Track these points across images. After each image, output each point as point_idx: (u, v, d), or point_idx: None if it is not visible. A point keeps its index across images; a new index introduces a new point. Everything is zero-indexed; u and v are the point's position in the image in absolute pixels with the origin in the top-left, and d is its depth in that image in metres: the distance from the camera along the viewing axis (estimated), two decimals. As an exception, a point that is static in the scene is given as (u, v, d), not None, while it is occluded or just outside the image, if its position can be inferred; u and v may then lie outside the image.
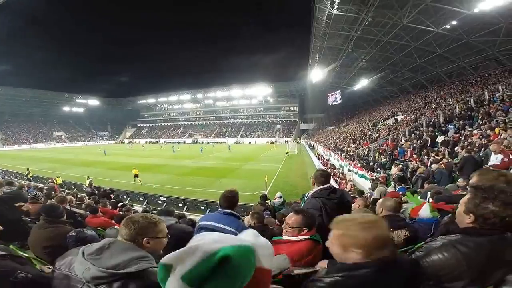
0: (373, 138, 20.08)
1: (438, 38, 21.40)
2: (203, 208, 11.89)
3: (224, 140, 68.62)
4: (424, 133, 13.22)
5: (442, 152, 9.07)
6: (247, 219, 5.71)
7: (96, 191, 12.08)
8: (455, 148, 9.02)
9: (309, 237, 1.76)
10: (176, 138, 76.07)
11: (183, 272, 0.67)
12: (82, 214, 4.52)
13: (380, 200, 2.40)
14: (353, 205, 3.14)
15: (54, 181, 14.69)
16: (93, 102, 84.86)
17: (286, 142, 54.02)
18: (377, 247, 0.99)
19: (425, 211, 2.34)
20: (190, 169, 23.12)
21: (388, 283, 0.99)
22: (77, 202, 6.90)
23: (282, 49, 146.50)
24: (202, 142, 64.05)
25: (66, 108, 79.93)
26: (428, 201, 2.81)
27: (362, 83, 38.28)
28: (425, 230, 2.19)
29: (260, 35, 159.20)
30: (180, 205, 12.28)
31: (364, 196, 7.07)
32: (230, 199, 2.42)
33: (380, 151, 15.15)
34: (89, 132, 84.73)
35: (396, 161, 11.67)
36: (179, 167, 24.26)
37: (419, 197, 3.32)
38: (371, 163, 14.01)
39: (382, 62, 31.25)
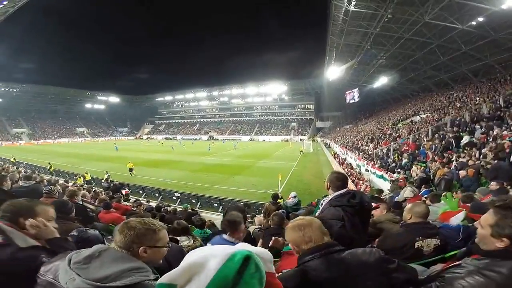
0: (393, 137, 19.41)
1: (463, 35, 20.19)
2: (216, 205, 11.97)
3: (239, 137, 68.99)
4: (448, 133, 12.58)
5: (468, 153, 8.55)
6: (259, 219, 5.63)
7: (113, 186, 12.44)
8: (483, 150, 8.50)
9: None
10: (192, 134, 77.25)
11: (204, 284, 0.66)
12: (94, 210, 4.50)
13: (409, 205, 2.22)
14: (375, 211, 2.93)
15: (83, 177, 15.28)
16: (114, 99, 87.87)
17: (301, 140, 53.44)
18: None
19: (457, 219, 2.17)
20: (204, 166, 23.39)
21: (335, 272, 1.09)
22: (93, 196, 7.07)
23: (298, 47, 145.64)
24: (216, 139, 64.77)
25: (88, 105, 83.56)
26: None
27: (381, 81, 37.10)
28: (453, 235, 2.04)
29: (275, 33, 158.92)
30: (193, 201, 12.40)
31: (383, 197, 6.79)
32: (231, 224, 2.21)
33: (400, 151, 14.59)
34: (110, 128, 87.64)
35: (417, 162, 11.19)
36: (194, 164, 24.59)
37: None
38: (391, 164, 13.53)
39: (402, 59, 30.04)
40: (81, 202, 4.29)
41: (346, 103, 55.97)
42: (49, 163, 19.47)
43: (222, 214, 10.77)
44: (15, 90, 62.20)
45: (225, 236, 2.18)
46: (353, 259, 1.11)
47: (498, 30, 18.07)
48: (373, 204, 2.83)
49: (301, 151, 32.84)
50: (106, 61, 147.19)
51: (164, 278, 0.71)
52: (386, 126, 26.31)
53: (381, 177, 13.04)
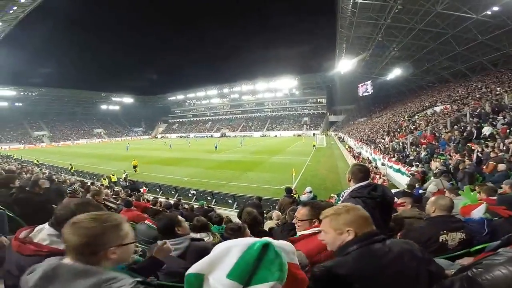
0: (409, 130, 18.90)
1: (479, 25, 19.42)
2: (230, 201, 12.10)
3: (250, 133, 69.22)
4: (468, 124, 12.13)
5: (492, 145, 8.21)
6: (277, 214, 5.65)
7: (124, 184, 12.83)
8: (506, 141, 8.14)
9: (314, 229, 1.68)
10: (205, 132, 78.14)
11: (227, 271, 0.71)
12: (116, 209, 4.62)
13: (433, 198, 2.17)
14: (400, 208, 2.88)
15: (109, 178, 15.52)
16: (127, 100, 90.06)
17: (314, 134, 52.92)
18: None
19: (479, 212, 2.11)
20: (218, 163, 23.61)
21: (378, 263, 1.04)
22: (113, 196, 7.31)
23: (307, 41, 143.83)
24: (228, 136, 65.12)
25: (103, 106, 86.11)
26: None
27: (395, 73, 36.20)
28: (479, 229, 1.99)
29: (284, 27, 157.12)
30: (209, 198, 12.58)
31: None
32: (235, 232, 2.19)
33: (418, 144, 14.19)
34: (125, 128, 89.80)
35: (435, 155, 10.87)
36: (208, 161, 24.89)
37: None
38: (408, 157, 13.20)
39: (416, 50, 29.12)
40: (103, 202, 4.36)
41: (359, 96, 55.00)
42: (70, 164, 20.23)
43: (236, 210, 10.92)
44: (33, 94, 64.85)
45: None
46: (396, 248, 1.08)
47: (516, 19, 17.20)
48: (399, 200, 2.79)
49: (314, 145, 32.38)
50: (119, 63, 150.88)
51: (192, 269, 0.77)
52: (402, 118, 25.60)
53: (398, 171, 12.72)
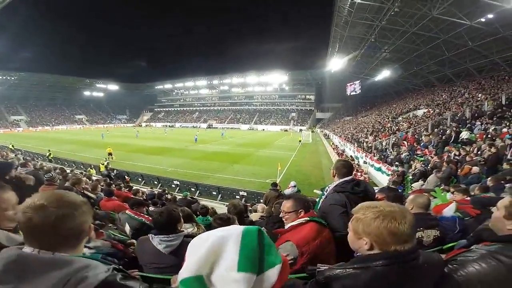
0: (392, 130, 19.46)
1: (471, 32, 19.90)
2: (215, 193, 12.08)
3: (238, 126, 69.00)
4: (448, 128, 12.64)
5: (467, 149, 8.62)
6: (262, 207, 5.72)
7: (112, 174, 12.44)
8: (482, 146, 8.56)
9: (309, 218, 1.72)
10: (192, 122, 77.06)
11: (234, 264, 0.64)
12: (94, 198, 4.46)
13: (411, 196, 2.29)
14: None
15: (97, 168, 14.55)
16: (113, 87, 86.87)
17: (300, 130, 53.44)
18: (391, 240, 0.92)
19: (450, 210, 2.25)
20: (204, 154, 23.49)
21: (406, 282, 0.91)
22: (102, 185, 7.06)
23: (300, 37, 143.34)
24: (215, 127, 64.49)
25: (87, 93, 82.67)
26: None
27: (384, 74, 36.89)
28: (451, 227, 2.11)
29: (278, 22, 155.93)
30: (193, 189, 12.51)
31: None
32: (222, 222, 2.16)
33: (399, 144, 14.67)
34: (108, 115, 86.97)
35: (417, 156, 11.28)
36: (194, 152, 24.70)
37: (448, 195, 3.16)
38: (389, 157, 13.62)
39: (407, 53, 29.72)
40: (82, 190, 4.23)
41: (347, 95, 55.79)
42: (49, 150, 19.42)
43: (221, 202, 10.93)
44: (13, 78, 61.55)
45: None
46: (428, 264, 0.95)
47: (508, 28, 17.79)
48: (378, 196, 2.89)
49: (300, 141, 32.77)
50: (105, 49, 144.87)
51: (187, 272, 0.68)
52: (387, 119, 26.33)
53: (379, 169, 13.15)
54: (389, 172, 11.37)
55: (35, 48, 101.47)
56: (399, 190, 6.23)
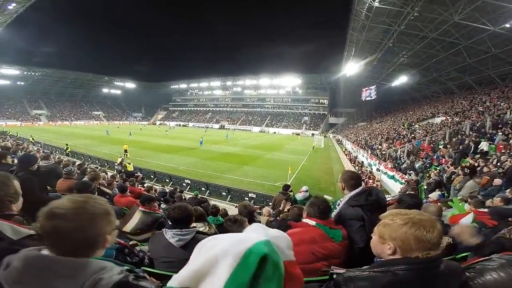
0: (408, 138, 19.00)
1: (494, 38, 19.17)
2: (224, 194, 12.19)
3: (250, 128, 69.22)
4: (467, 138, 12.23)
5: (486, 161, 8.31)
6: (267, 210, 5.71)
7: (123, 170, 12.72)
8: (502, 158, 8.24)
9: (315, 224, 1.78)
10: (205, 122, 77.89)
11: (221, 285, 0.59)
12: (110, 194, 4.55)
13: (424, 205, 2.27)
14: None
15: (125, 166, 14.35)
16: (130, 85, 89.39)
17: (312, 135, 53.01)
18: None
19: (467, 221, 2.22)
20: (216, 154, 23.73)
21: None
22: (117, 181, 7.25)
23: (315, 41, 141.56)
24: (227, 128, 65.04)
25: (105, 90, 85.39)
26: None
27: (401, 80, 36.09)
28: None
29: (293, 25, 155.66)
30: (203, 189, 12.67)
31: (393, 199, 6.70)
32: (233, 224, 2.18)
33: (414, 153, 14.32)
34: (125, 112, 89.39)
35: (432, 165, 10.98)
36: (205, 152, 24.98)
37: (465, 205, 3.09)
38: (403, 165, 13.32)
39: (425, 59, 28.89)
40: (98, 186, 4.29)
41: (362, 100, 54.90)
42: (67, 144, 20.12)
43: (230, 202, 10.99)
44: (36, 74, 64.40)
45: None
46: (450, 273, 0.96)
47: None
48: (390, 201, 2.86)
49: (313, 147, 32.32)
50: (124, 48, 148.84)
51: (174, 282, 0.66)
52: (402, 126, 25.73)
53: (392, 177, 12.88)
54: (402, 181, 11.12)
55: (57, 45, 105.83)
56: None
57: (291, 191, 6.70)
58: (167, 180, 13.98)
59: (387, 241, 0.99)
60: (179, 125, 75.53)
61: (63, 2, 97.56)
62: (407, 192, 7.11)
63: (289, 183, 12.40)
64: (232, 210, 6.40)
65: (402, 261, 0.93)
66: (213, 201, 9.67)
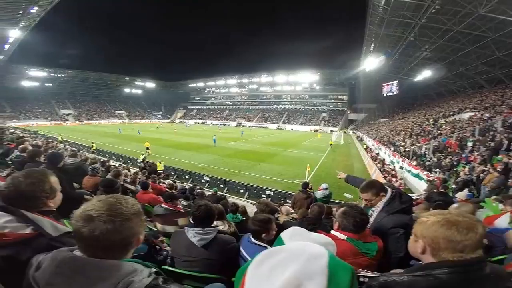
0: (433, 134, 18.16)
1: None
2: (242, 191, 12.22)
3: (266, 125, 69.14)
4: (498, 134, 11.49)
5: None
6: (286, 209, 5.64)
7: (148, 167, 13.08)
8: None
9: (346, 238, 1.62)
10: (222, 120, 78.61)
11: None
12: (133, 190, 4.67)
13: (455, 205, 2.14)
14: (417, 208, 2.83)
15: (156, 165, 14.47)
16: (150, 84, 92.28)
17: (331, 131, 51.94)
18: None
19: (503, 221, 2.08)
20: (233, 151, 23.88)
21: None
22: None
23: (332, 36, 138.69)
24: (243, 126, 65.30)
25: (127, 90, 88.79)
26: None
27: (424, 75, 34.55)
28: (499, 240, 1.95)
29: (309, 21, 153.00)
30: (221, 186, 12.76)
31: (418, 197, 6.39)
32: (264, 224, 2.00)
33: (442, 149, 13.66)
34: (146, 111, 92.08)
35: (459, 163, 10.43)
36: (223, 149, 25.21)
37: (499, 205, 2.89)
38: (428, 162, 12.75)
39: (450, 53, 27.35)
40: (122, 182, 4.40)
41: (382, 95, 53.12)
42: (92, 142, 21.04)
43: (247, 200, 11.02)
44: (62, 75, 68.22)
45: (254, 240, 1.96)
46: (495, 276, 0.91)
47: None
48: (419, 201, 2.76)
49: (331, 144, 30.67)
50: (144, 49, 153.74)
51: None
52: (427, 122, 24.61)
53: (417, 175, 12.35)
54: (428, 179, 10.64)
55: (80, 47, 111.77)
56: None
57: (310, 188, 6.58)
58: (187, 177, 14.25)
59: (419, 239, 0.99)
60: (198, 123, 76.75)
61: (85, 6, 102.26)
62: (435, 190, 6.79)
63: (307, 181, 12.31)
64: (250, 207, 6.40)
65: (444, 264, 0.89)
66: (230, 198, 9.75)
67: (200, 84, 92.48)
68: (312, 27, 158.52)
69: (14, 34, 33.08)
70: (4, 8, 25.44)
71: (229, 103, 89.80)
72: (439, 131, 18.65)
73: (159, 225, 3.04)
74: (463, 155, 11.21)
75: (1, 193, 1.15)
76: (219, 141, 28.91)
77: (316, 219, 3.06)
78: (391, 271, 1.16)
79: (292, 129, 63.51)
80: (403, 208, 1.85)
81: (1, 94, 56.34)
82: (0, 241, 1.02)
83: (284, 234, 0.81)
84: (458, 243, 0.88)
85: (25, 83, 62.54)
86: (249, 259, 1.79)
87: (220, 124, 70.77)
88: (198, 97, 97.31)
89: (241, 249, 1.96)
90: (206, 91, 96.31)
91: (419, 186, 11.79)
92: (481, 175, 7.88)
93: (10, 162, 4.52)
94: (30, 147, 4.72)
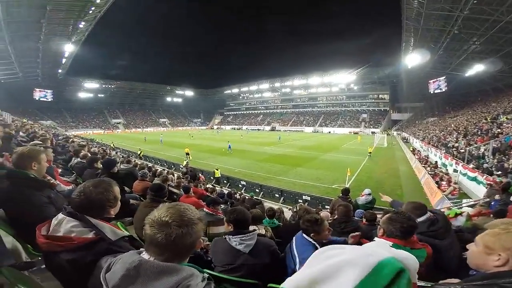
0: (492, 133, 16.19)
1: None
2: (277, 196, 12.14)
3: (301, 128, 68.10)
4: None
5: None
6: (326, 215, 5.40)
7: (190, 172, 13.69)
8: None
9: (392, 244, 1.52)
10: (256, 125, 79.57)
11: None
12: (178, 194, 4.90)
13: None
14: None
15: (214, 173, 15.01)
16: (189, 93, 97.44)
17: (372, 133, 49.17)
18: None
19: None
20: (269, 156, 23.92)
21: None
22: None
23: (369, 33, 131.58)
24: (278, 130, 64.89)
25: (168, 99, 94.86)
26: None
27: (476, 69, 31.18)
28: None
29: (343, 18, 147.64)
30: (257, 190, 12.83)
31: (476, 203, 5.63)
32: (314, 224, 2.02)
33: (504, 150, 12.09)
34: (186, 119, 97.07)
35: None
36: (259, 153, 25.40)
37: None
38: (485, 165, 11.37)
39: (504, 44, 24.37)
40: (168, 187, 4.75)
41: (429, 93, 48.93)
42: (139, 149, 22.75)
43: (283, 205, 10.86)
44: (112, 86, 75.44)
45: (306, 237, 1.99)
46: None
47: None
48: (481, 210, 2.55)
49: (369, 153, 24.23)
50: (182, 60, 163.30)
51: (290, 284, 0.64)
52: (484, 120, 22.03)
53: (474, 179, 11.07)
54: (488, 183, 9.46)
55: (126, 59, 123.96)
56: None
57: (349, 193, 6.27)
58: (225, 182, 14.60)
59: (496, 251, 0.93)
60: (234, 129, 78.56)
61: (129, 19, 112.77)
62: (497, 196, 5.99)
63: (348, 186, 11.74)
64: (286, 212, 6.26)
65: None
66: (266, 203, 9.72)
67: (235, 90, 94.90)
68: (347, 26, 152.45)
69: (69, 48, 36.47)
70: (57, 25, 28.33)
71: (262, 108, 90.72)
72: (499, 130, 16.56)
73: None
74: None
75: (73, 200, 1.26)
76: (255, 146, 29.11)
77: (345, 217, 3.10)
78: (446, 280, 1.10)
79: (329, 132, 61.57)
80: (425, 232, 1.98)
81: (62, 105, 63.95)
82: (68, 245, 1.11)
83: (368, 244, 0.87)
84: None
85: (81, 94, 69.81)
86: (297, 255, 1.82)
87: (250, 129, 72.14)
88: (234, 103, 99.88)
89: (293, 245, 1.97)
90: (240, 97, 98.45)
91: (476, 191, 10.57)
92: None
93: (71, 169, 4.97)
94: (89, 154, 5.21)
